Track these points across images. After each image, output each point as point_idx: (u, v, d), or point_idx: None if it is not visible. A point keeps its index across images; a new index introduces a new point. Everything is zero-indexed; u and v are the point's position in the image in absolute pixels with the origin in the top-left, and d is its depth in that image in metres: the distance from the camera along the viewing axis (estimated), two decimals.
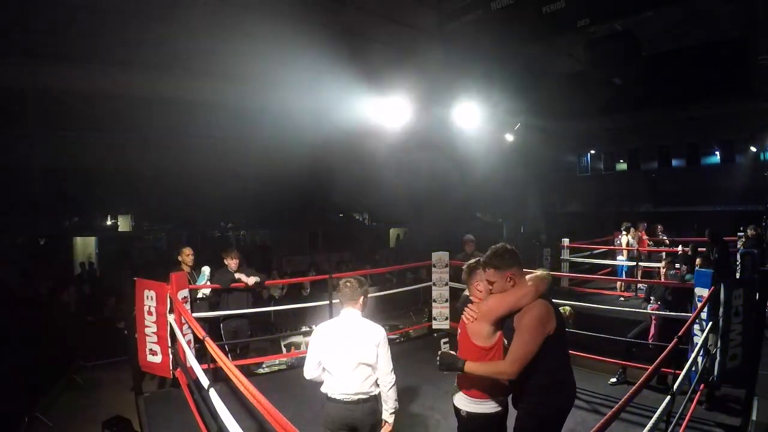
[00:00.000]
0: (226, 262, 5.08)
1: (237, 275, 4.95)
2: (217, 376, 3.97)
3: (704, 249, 7.08)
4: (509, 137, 13.00)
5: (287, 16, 8.80)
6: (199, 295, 5.05)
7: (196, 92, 10.08)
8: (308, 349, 2.56)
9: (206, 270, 5.21)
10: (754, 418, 3.44)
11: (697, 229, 8.43)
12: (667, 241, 8.56)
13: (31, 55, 8.38)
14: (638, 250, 8.18)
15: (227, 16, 8.63)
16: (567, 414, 2.18)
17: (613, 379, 4.46)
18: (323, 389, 2.52)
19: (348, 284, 2.55)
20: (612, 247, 9.35)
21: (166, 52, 9.31)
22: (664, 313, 4.50)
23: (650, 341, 4.51)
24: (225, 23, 8.75)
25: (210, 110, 12.13)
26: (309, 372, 2.56)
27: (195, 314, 4.42)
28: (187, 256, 5.16)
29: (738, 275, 6.74)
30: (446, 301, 5.90)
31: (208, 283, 5.14)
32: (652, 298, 4.75)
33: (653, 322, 4.58)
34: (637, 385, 2.30)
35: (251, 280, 4.96)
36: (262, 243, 15.44)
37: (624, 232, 8.38)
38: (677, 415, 2.86)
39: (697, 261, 4.93)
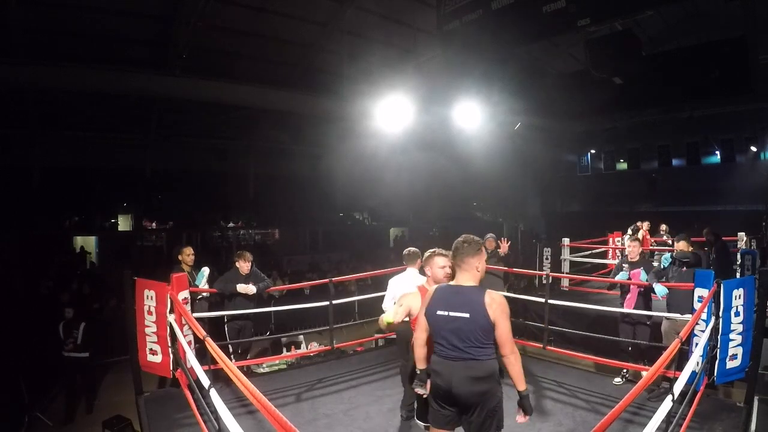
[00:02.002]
0: (237, 265, 5.04)
1: (238, 287, 4.94)
2: (218, 376, 3.97)
3: (705, 249, 7.07)
4: (509, 137, 12.99)
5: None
6: (200, 295, 5.05)
7: (196, 92, 10.07)
8: (387, 290, 3.86)
9: (205, 270, 5.20)
10: (754, 418, 3.44)
11: (697, 229, 8.41)
12: (670, 241, 8.54)
13: (32, 55, 8.38)
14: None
15: None
16: (438, 393, 2.37)
17: (618, 380, 4.45)
18: None
19: (408, 253, 3.91)
20: (613, 246, 9.35)
21: (164, 52, 9.32)
22: (657, 313, 4.48)
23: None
24: None
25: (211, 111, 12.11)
26: (386, 304, 3.83)
27: (196, 314, 4.42)
28: (187, 255, 5.14)
29: (738, 275, 6.74)
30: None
31: (207, 283, 5.14)
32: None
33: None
34: (637, 385, 2.30)
35: (250, 291, 4.95)
36: (262, 243, 15.43)
37: (629, 233, 8.38)
38: (677, 416, 2.86)
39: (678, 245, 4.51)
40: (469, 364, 2.29)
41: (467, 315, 2.30)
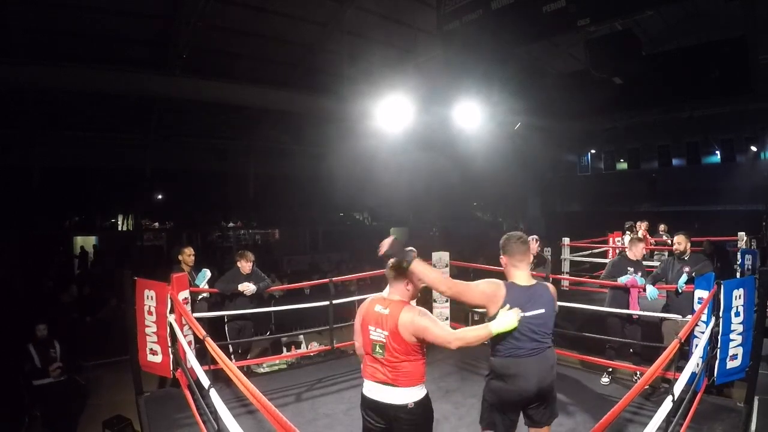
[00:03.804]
0: (239, 265, 5.04)
1: (239, 285, 4.94)
2: (218, 376, 3.97)
3: (701, 248, 7.07)
4: (509, 137, 12.99)
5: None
6: (200, 296, 5.05)
7: (196, 92, 10.07)
8: None
9: (207, 272, 5.19)
10: (754, 418, 3.44)
11: (697, 229, 8.44)
12: (669, 241, 8.54)
13: (32, 55, 8.38)
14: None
15: None
16: (521, 395, 2.32)
17: (605, 379, 4.43)
18: None
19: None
20: (613, 246, 9.34)
21: (164, 52, 9.32)
22: (659, 314, 4.48)
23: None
24: None
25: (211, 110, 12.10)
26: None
27: (196, 314, 4.42)
28: (188, 256, 5.14)
29: (738, 275, 6.74)
30: (446, 301, 5.89)
31: (207, 284, 5.13)
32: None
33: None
34: (637, 385, 2.30)
35: (250, 289, 4.95)
36: (262, 243, 15.44)
37: (628, 233, 8.37)
38: (677, 416, 2.86)
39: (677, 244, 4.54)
40: (546, 354, 2.33)
41: (543, 310, 2.32)
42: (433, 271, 2.32)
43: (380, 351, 2.25)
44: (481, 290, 2.29)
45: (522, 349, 2.28)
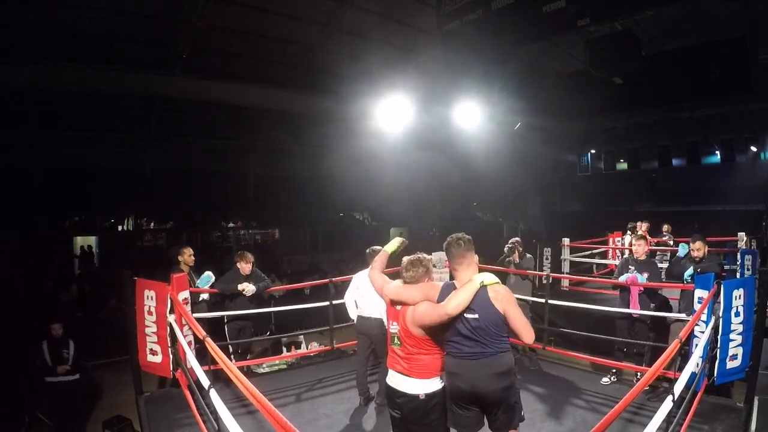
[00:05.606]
0: (238, 266, 5.02)
1: (239, 286, 4.93)
2: (218, 376, 3.97)
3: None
4: (509, 137, 12.99)
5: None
6: (200, 298, 5.04)
7: (196, 92, 10.07)
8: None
9: (211, 276, 5.16)
10: (754, 418, 3.44)
11: (697, 229, 8.38)
12: (671, 242, 8.52)
13: (32, 55, 8.38)
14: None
15: None
16: (460, 395, 2.34)
17: (606, 379, 4.44)
18: None
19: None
20: (613, 246, 9.34)
21: (164, 52, 9.32)
22: (659, 314, 4.48)
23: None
24: None
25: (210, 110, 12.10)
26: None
27: (196, 314, 4.42)
28: (188, 256, 5.13)
29: (738, 275, 6.73)
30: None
31: (209, 287, 5.12)
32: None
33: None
34: (637, 385, 2.30)
35: (249, 289, 4.94)
36: (262, 243, 15.44)
37: (629, 233, 8.37)
38: (677, 416, 2.86)
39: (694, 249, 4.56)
40: (488, 361, 2.27)
41: (476, 315, 2.28)
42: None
43: (397, 342, 2.46)
44: (418, 288, 2.46)
45: (461, 350, 2.30)
